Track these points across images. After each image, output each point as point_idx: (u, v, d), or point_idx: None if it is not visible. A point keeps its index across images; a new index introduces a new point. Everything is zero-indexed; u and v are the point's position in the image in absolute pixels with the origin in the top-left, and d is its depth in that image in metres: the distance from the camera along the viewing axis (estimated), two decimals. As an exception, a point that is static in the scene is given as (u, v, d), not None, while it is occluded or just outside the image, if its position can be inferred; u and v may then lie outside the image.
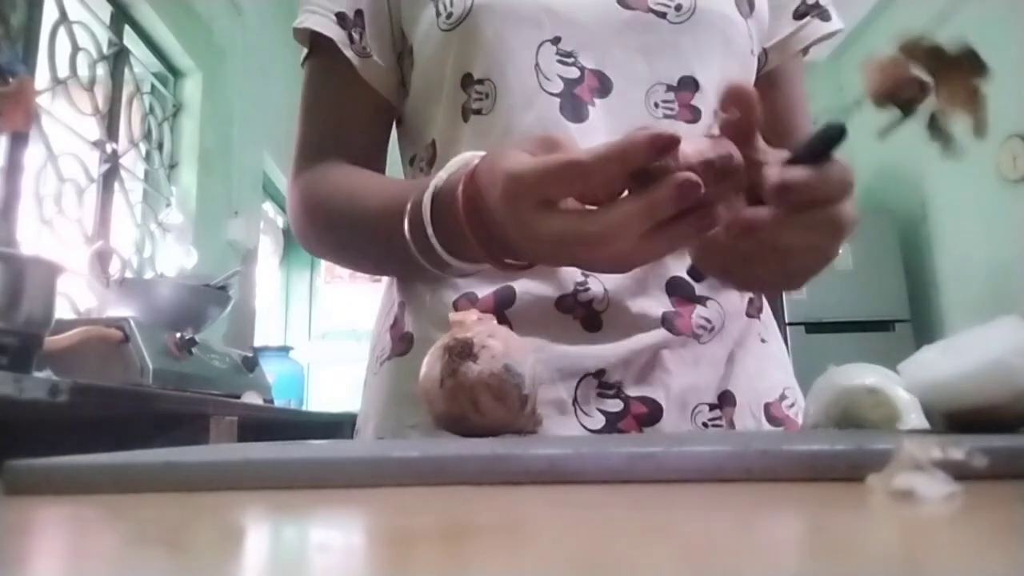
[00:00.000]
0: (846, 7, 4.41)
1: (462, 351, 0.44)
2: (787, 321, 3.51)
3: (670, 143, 0.36)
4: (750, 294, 0.64)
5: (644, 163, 0.37)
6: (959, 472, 0.20)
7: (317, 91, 0.67)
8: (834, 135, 0.39)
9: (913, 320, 3.57)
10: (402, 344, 0.62)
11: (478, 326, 0.45)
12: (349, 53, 0.63)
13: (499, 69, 0.58)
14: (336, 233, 0.62)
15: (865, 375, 0.47)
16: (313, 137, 0.66)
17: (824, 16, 0.69)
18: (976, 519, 0.18)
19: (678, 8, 0.59)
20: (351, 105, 0.65)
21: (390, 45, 0.65)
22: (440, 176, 0.49)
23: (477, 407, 0.43)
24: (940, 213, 3.59)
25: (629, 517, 0.20)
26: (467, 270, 0.51)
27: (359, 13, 0.64)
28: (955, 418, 0.33)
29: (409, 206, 0.50)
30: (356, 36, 0.64)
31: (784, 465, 0.25)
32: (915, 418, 0.44)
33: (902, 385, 0.45)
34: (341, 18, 0.63)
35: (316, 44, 0.65)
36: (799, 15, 0.68)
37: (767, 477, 0.24)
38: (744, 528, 0.18)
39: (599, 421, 0.54)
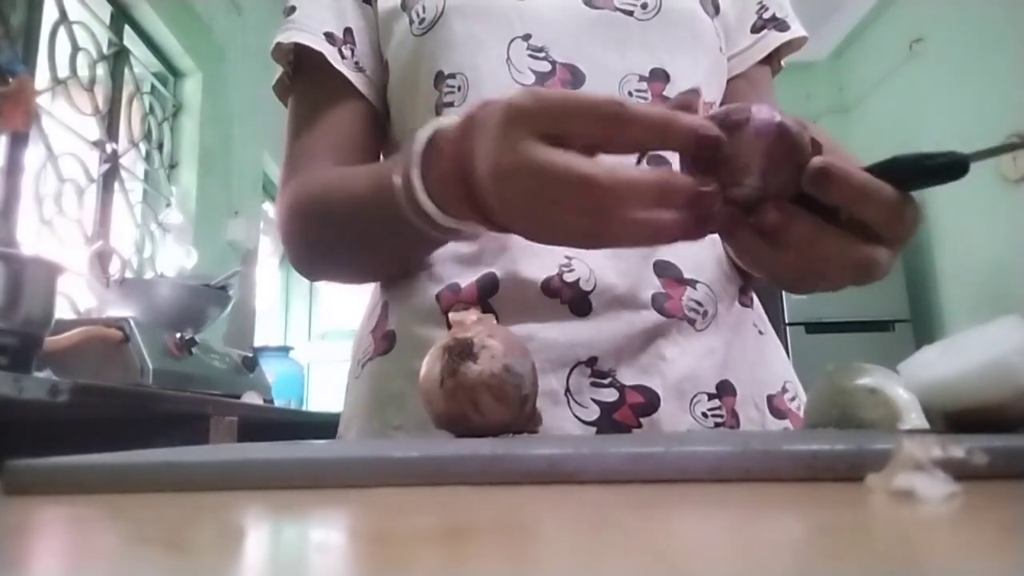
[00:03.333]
0: (846, 7, 4.36)
1: (462, 351, 0.44)
2: (787, 321, 3.50)
3: (714, 144, 0.35)
4: (741, 282, 0.63)
5: (680, 150, 0.36)
6: (959, 472, 0.20)
7: (311, 107, 0.65)
8: (946, 166, 0.35)
9: (913, 320, 3.57)
10: (384, 343, 0.61)
11: (478, 326, 0.45)
12: (342, 67, 0.63)
13: (471, 63, 0.59)
14: (331, 230, 0.59)
15: (865, 375, 0.47)
16: (308, 150, 0.64)
17: (782, 27, 0.70)
18: (976, 519, 0.18)
19: (644, 6, 0.61)
20: (348, 120, 0.65)
21: (379, 62, 0.66)
22: (440, 120, 0.46)
23: (477, 407, 0.43)
24: (940, 213, 3.59)
25: (629, 517, 0.20)
26: (454, 228, 0.47)
27: (348, 31, 0.65)
28: (955, 418, 0.33)
29: (400, 157, 0.48)
30: (348, 52, 0.64)
31: (784, 465, 0.24)
32: (915, 418, 0.44)
33: (902, 385, 0.45)
34: (329, 37, 0.64)
35: (302, 64, 0.66)
36: (756, 29, 0.70)
37: (767, 477, 0.24)
38: (744, 528, 0.18)
39: (594, 412, 0.53)
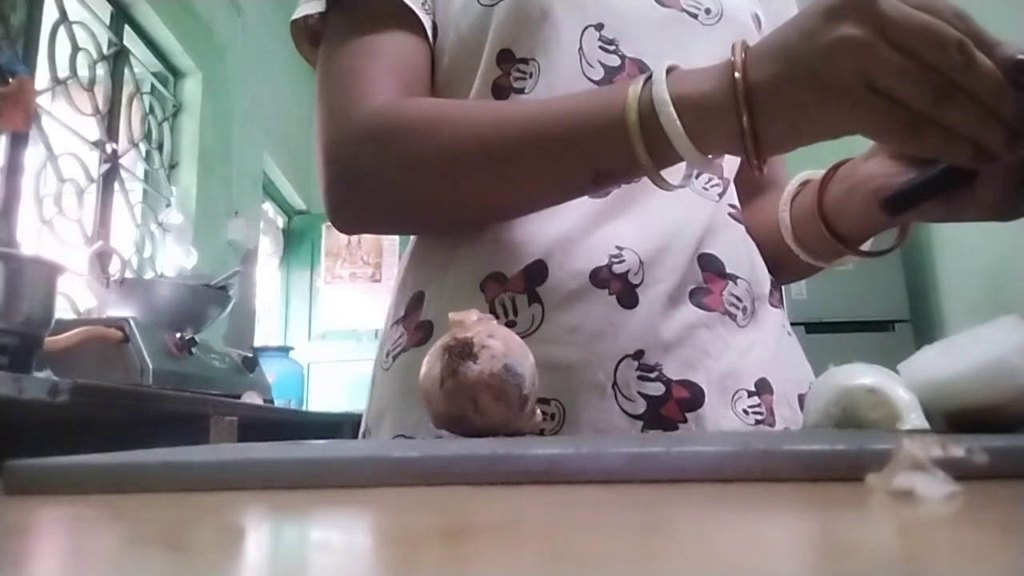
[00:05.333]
0: (846, 7, 4.36)
1: (462, 351, 0.44)
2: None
3: None
4: (771, 279, 0.63)
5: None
6: (959, 471, 0.20)
7: (367, 34, 0.58)
8: None
9: (913, 320, 3.56)
10: (419, 333, 0.59)
11: (478, 326, 0.45)
12: (421, 14, 0.60)
13: (544, 49, 0.58)
14: (450, 161, 0.51)
15: (865, 375, 0.47)
16: (364, 74, 0.56)
17: None
18: (976, 519, 0.18)
19: (708, 11, 0.61)
20: (412, 54, 0.59)
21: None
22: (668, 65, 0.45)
23: (477, 407, 0.43)
24: (940, 213, 3.58)
25: (629, 517, 0.20)
26: (697, 162, 0.45)
27: None
28: (955, 418, 0.33)
29: (636, 87, 0.45)
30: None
31: (784, 465, 0.24)
32: (915, 418, 0.44)
33: (902, 385, 0.45)
34: None
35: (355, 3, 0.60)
36: None
37: (767, 477, 0.24)
38: (744, 528, 0.18)
39: (641, 406, 0.53)
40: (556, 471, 0.25)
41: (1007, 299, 3.13)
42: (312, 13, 0.61)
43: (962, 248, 3.44)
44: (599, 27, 0.58)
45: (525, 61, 0.58)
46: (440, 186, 0.53)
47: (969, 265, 3.39)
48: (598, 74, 0.58)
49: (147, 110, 2.61)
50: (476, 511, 0.22)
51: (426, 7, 0.61)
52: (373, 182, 0.54)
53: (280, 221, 4.06)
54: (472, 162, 0.51)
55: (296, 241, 4.17)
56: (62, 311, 1.71)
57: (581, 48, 0.58)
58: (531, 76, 0.58)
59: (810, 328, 3.52)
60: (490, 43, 0.59)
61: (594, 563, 0.14)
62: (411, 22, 0.60)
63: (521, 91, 0.58)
